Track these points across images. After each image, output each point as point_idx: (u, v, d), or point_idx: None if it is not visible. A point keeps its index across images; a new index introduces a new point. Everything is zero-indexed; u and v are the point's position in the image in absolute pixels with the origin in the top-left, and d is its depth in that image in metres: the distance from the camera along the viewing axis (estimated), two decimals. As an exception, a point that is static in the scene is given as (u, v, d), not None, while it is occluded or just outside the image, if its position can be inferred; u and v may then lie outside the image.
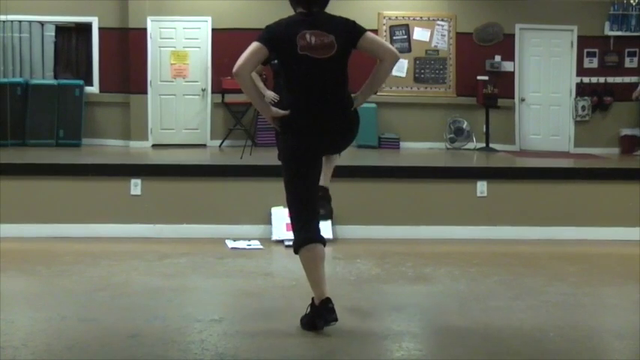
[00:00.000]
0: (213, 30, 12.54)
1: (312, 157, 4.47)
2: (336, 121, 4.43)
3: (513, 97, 13.05)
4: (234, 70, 4.27)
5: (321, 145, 4.49)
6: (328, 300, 4.39)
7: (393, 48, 4.55)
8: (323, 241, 4.50)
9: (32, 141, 11.86)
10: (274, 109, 4.51)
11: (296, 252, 4.51)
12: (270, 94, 8.11)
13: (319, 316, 4.38)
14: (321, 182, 4.77)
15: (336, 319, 4.39)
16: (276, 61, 7.94)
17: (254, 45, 4.30)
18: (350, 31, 4.39)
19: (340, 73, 4.43)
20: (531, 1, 12.82)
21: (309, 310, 4.46)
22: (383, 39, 12.68)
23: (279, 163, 4.68)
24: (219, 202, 7.56)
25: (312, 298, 4.47)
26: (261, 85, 8.01)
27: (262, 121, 11.58)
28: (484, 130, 12.75)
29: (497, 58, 12.97)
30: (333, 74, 4.40)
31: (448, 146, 12.82)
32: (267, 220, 7.37)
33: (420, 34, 12.93)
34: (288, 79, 4.46)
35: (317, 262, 4.43)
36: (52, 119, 12.10)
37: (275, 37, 4.32)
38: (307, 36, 4.31)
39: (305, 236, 4.44)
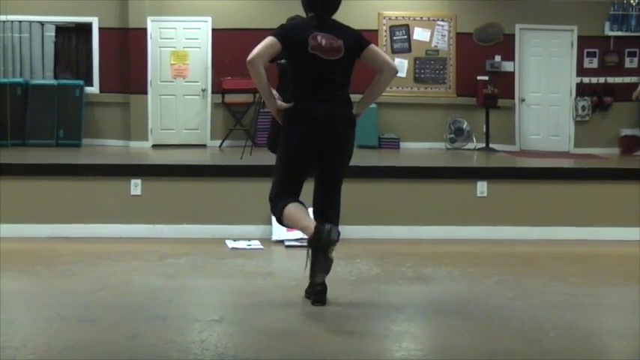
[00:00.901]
0: (213, 30, 12.55)
1: (310, 146, 4.69)
2: (334, 113, 4.71)
3: (513, 98, 13.06)
4: (249, 58, 4.57)
5: (319, 135, 4.67)
6: (319, 222, 4.50)
7: (393, 63, 4.94)
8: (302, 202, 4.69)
9: (32, 141, 11.87)
10: (279, 102, 4.81)
11: (280, 220, 4.70)
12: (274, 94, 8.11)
13: (319, 235, 4.40)
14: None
15: (337, 232, 4.46)
16: (283, 61, 8.01)
17: (269, 39, 4.64)
18: (356, 42, 4.79)
19: (342, 75, 4.77)
20: (531, 1, 12.83)
21: (309, 258, 4.48)
22: (383, 39, 12.71)
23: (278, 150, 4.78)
24: (219, 202, 7.56)
25: (309, 240, 4.50)
26: None
27: (262, 121, 11.59)
28: (484, 130, 12.77)
29: (498, 58, 12.99)
30: (337, 75, 4.74)
31: (448, 146, 12.83)
32: (267, 221, 7.37)
33: (420, 34, 12.94)
34: (296, 74, 4.78)
35: (301, 210, 4.61)
36: (52, 119, 12.11)
37: (289, 34, 4.69)
38: (319, 37, 4.67)
39: (284, 201, 4.64)
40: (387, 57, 4.94)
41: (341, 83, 4.76)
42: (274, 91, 7.95)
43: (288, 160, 4.74)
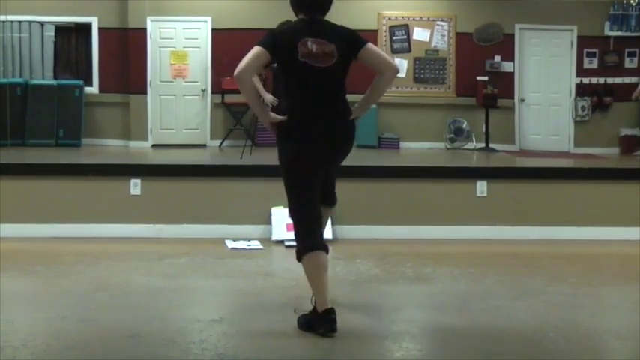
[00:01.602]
0: (213, 30, 12.54)
1: (311, 162, 4.46)
2: (332, 127, 4.46)
3: (513, 97, 13.06)
4: (236, 73, 4.32)
5: (318, 151, 4.45)
6: (332, 310, 4.34)
7: (393, 62, 4.64)
8: (326, 249, 4.49)
9: (32, 141, 11.87)
10: (272, 114, 4.57)
11: (299, 259, 4.47)
12: (269, 98, 8.09)
13: (320, 324, 4.34)
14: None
15: (335, 330, 4.34)
16: (275, 65, 7.96)
17: (256, 49, 4.35)
18: (351, 42, 4.46)
19: (338, 82, 4.49)
20: (531, 1, 12.83)
21: (310, 312, 4.45)
22: (383, 39, 12.70)
23: (278, 163, 4.71)
24: (219, 202, 7.56)
25: (315, 302, 4.43)
26: (260, 87, 7.99)
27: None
28: (484, 130, 12.76)
29: (497, 58, 12.98)
30: (331, 83, 4.45)
31: (448, 146, 12.82)
32: (267, 220, 7.38)
33: (419, 34, 12.93)
34: (286, 84, 4.51)
35: (320, 270, 4.39)
36: (51, 119, 12.10)
37: (277, 42, 4.38)
38: (309, 44, 4.36)
39: (308, 243, 4.42)
40: (387, 56, 4.67)
41: (336, 89, 4.49)
42: (270, 96, 7.94)
43: (294, 174, 4.48)
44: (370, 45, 4.51)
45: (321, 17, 4.50)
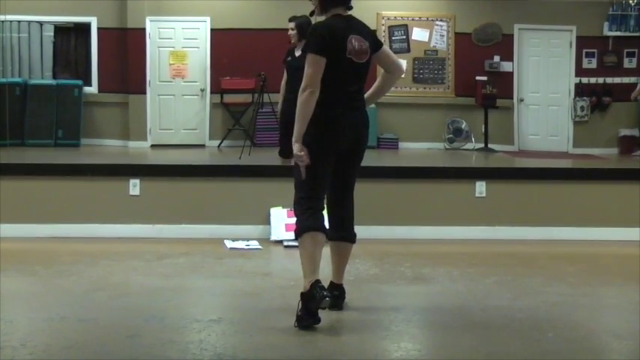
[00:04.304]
0: (212, 30, 12.55)
1: (334, 147, 4.62)
2: (358, 118, 4.71)
3: (512, 98, 13.07)
4: (312, 89, 4.45)
5: (343, 137, 4.62)
6: (318, 281, 4.44)
7: (402, 65, 4.99)
8: (327, 234, 4.65)
9: (31, 141, 11.88)
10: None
11: (298, 235, 4.58)
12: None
13: (312, 297, 4.38)
14: (336, 279, 4.91)
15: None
16: (289, 58, 7.94)
17: (313, 59, 4.49)
18: (374, 42, 4.77)
19: (364, 77, 4.75)
20: (530, 1, 12.84)
21: (300, 304, 4.46)
22: (382, 39, 12.70)
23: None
24: (219, 202, 7.56)
25: (302, 293, 4.47)
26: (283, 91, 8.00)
27: (261, 121, 11.61)
28: (483, 130, 12.77)
29: (496, 58, 12.99)
30: (361, 77, 4.71)
31: (447, 146, 12.83)
32: (266, 221, 7.37)
33: (418, 34, 12.94)
34: (326, 77, 4.55)
35: (317, 248, 4.52)
36: (50, 119, 12.11)
37: (328, 42, 4.53)
38: (353, 41, 4.60)
39: (313, 223, 4.55)
40: (398, 59, 4.98)
41: (362, 83, 4.73)
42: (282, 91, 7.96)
43: (317, 156, 4.57)
44: (385, 46, 4.88)
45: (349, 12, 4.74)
